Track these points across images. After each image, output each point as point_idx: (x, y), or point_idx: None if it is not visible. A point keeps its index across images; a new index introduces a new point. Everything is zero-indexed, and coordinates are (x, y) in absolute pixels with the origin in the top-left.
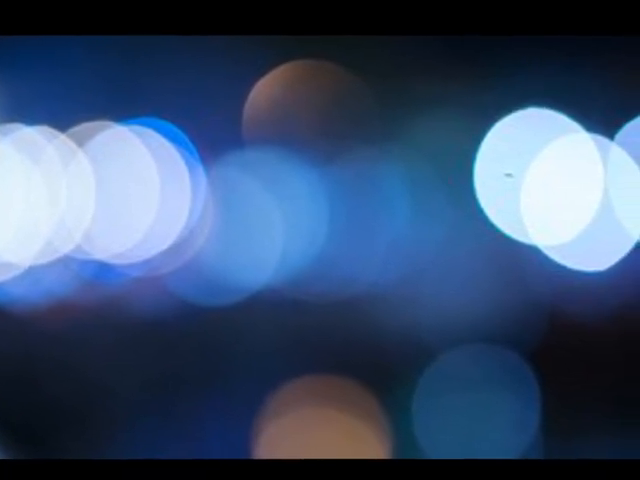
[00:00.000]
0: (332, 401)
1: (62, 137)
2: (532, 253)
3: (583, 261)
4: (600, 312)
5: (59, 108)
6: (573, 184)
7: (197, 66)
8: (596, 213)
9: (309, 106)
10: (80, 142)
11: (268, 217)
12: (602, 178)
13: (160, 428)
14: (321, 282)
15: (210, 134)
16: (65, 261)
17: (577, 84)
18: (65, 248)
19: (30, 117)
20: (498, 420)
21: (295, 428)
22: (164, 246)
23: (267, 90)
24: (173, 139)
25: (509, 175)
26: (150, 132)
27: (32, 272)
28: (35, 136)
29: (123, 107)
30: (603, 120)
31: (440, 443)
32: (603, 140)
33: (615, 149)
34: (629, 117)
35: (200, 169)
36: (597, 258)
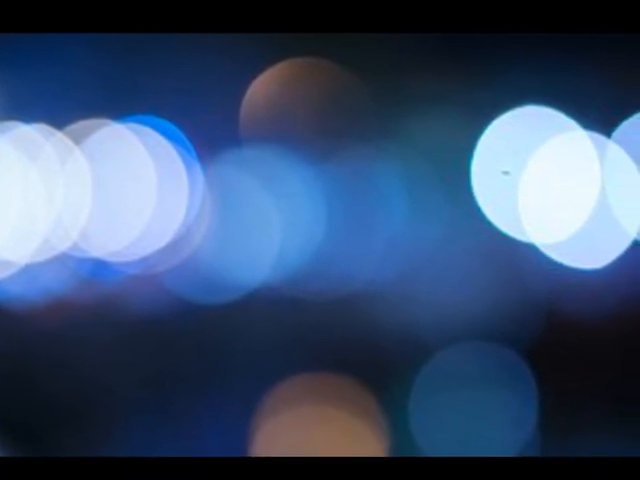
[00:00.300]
0: (330, 399)
1: (59, 135)
2: (529, 251)
3: (580, 259)
4: (597, 310)
5: (56, 106)
6: (570, 182)
7: (194, 64)
8: (593, 211)
9: (306, 104)
10: (77, 140)
11: (265, 215)
12: (599, 176)
13: (157, 426)
14: (318, 280)
15: (207, 132)
16: (62, 259)
17: (574, 82)
18: (62, 246)
19: (27, 115)
20: (496, 418)
21: (293, 426)
22: (161, 244)
23: (264, 88)
24: (170, 137)
25: (506, 173)
26: (147, 130)
27: (29, 270)
28: (32, 134)
29: (120, 105)
30: (600, 118)
31: (438, 441)
32: (600, 138)
33: (612, 147)
34: (626, 115)
35: (197, 167)
36: (594, 256)
